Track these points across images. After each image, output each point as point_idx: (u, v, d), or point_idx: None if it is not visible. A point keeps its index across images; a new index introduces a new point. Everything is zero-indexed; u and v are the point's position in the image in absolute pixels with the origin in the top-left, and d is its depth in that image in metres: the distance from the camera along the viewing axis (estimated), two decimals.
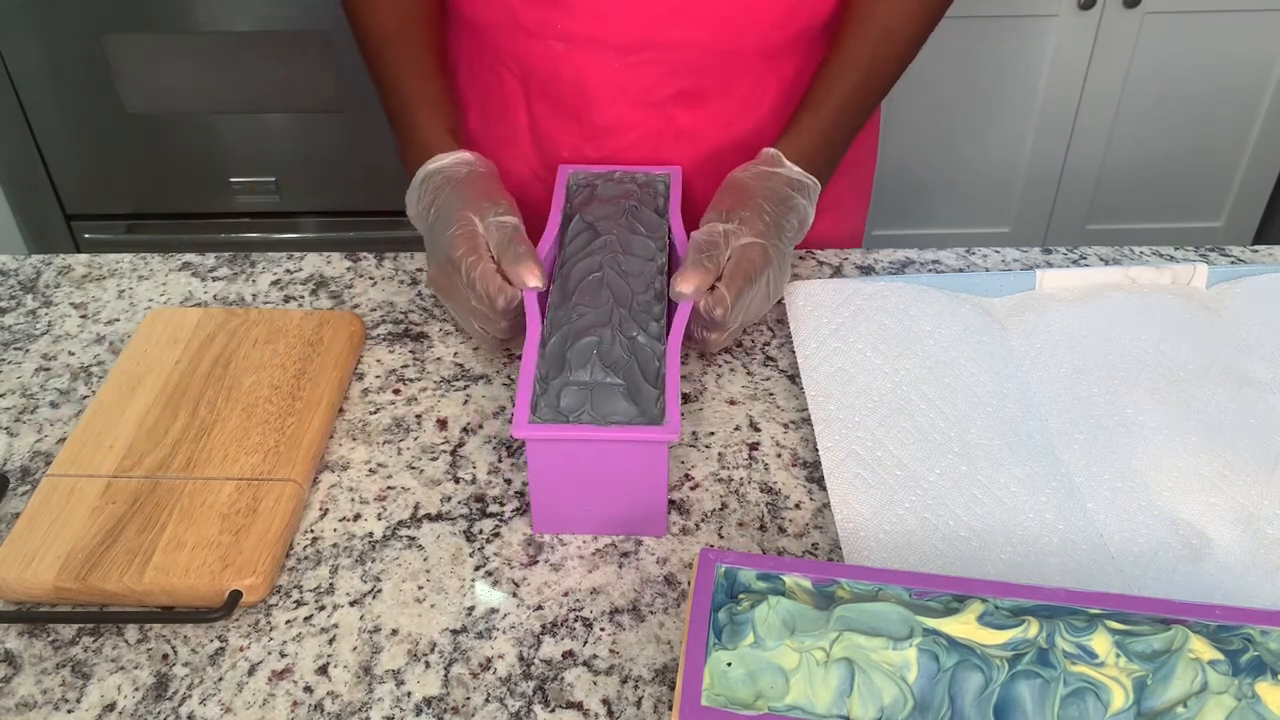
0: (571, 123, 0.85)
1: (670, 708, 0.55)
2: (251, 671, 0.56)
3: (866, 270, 0.85)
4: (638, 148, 0.84)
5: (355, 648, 0.58)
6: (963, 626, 0.50)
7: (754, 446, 0.69)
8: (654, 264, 0.70)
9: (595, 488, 0.61)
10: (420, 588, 0.61)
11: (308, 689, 0.56)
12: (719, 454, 0.69)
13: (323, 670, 0.56)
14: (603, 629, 0.58)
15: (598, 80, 0.82)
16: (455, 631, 0.58)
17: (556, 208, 0.75)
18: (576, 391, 0.60)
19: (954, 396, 0.69)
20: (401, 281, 0.84)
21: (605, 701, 0.55)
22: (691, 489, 0.66)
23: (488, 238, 0.70)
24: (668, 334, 0.65)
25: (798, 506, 0.65)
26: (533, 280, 0.67)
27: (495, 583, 0.61)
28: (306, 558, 0.62)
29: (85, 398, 0.73)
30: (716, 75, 0.82)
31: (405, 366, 0.76)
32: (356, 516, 0.65)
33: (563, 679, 0.56)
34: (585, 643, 0.58)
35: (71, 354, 0.77)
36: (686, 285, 0.67)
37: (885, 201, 1.91)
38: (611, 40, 0.80)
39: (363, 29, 0.84)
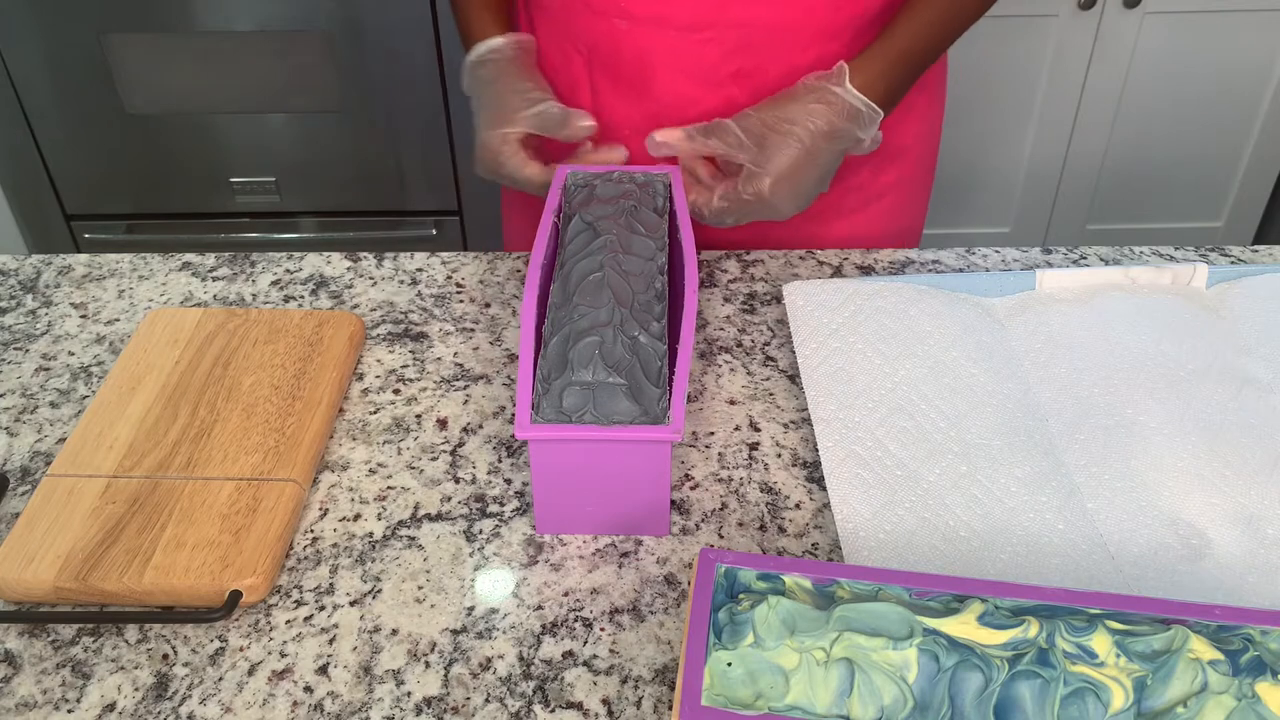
0: (633, 100, 0.86)
1: (670, 708, 0.55)
2: (251, 671, 0.56)
3: (866, 270, 0.85)
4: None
5: (355, 648, 0.58)
6: (963, 626, 0.50)
7: (754, 446, 0.69)
8: (654, 263, 0.70)
9: (598, 488, 0.61)
10: (420, 588, 0.61)
11: (308, 689, 0.56)
12: (719, 454, 0.69)
13: (323, 670, 0.56)
14: (603, 629, 0.58)
15: (659, 58, 0.84)
16: (455, 631, 0.58)
17: (550, 208, 0.75)
18: (579, 392, 0.60)
19: (954, 396, 0.69)
20: (401, 281, 0.84)
21: (605, 701, 0.55)
22: (691, 489, 0.66)
23: (530, 126, 0.80)
24: (669, 333, 0.65)
25: (798, 506, 0.65)
26: (588, 123, 0.79)
27: (495, 583, 0.61)
28: (306, 558, 0.62)
29: (85, 398, 0.73)
30: (777, 54, 0.83)
31: (405, 366, 0.76)
32: (356, 516, 0.65)
33: (563, 679, 0.56)
34: (585, 643, 0.58)
35: (71, 354, 0.77)
36: (659, 133, 0.78)
37: None
38: (673, 19, 0.82)
39: None
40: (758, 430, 0.70)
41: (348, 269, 0.85)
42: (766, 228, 0.85)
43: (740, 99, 0.84)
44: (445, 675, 0.56)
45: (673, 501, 0.65)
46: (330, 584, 0.61)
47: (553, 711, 0.55)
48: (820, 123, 0.76)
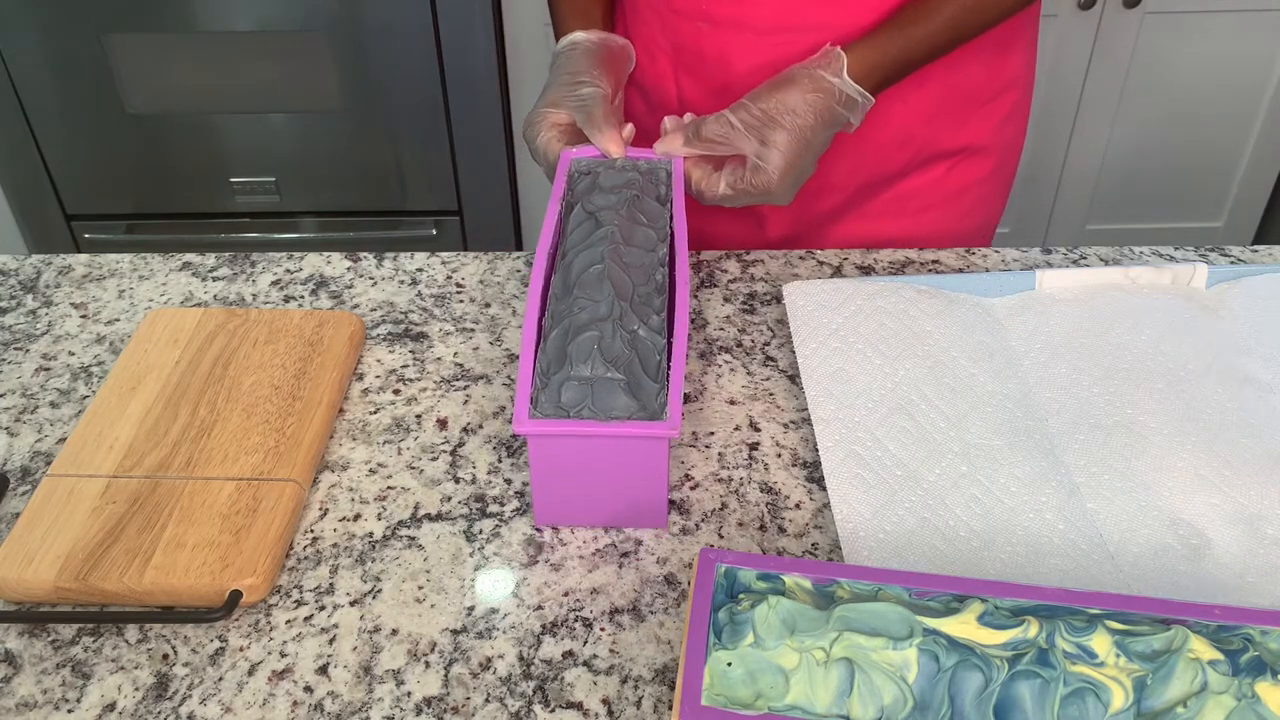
0: (715, 96, 0.88)
1: (670, 708, 0.55)
2: (251, 671, 0.56)
3: (866, 270, 0.85)
4: None
5: (355, 648, 0.58)
6: (963, 626, 0.50)
7: (754, 446, 0.69)
8: (655, 255, 0.70)
9: (596, 483, 0.61)
10: (420, 588, 0.61)
11: (308, 689, 0.56)
12: (719, 454, 0.69)
13: (323, 670, 0.56)
14: (603, 629, 0.58)
15: (738, 58, 0.86)
16: (455, 631, 0.58)
17: (556, 196, 0.75)
18: (577, 386, 0.60)
19: (954, 396, 0.69)
20: (401, 281, 0.84)
21: (605, 701, 0.55)
22: (691, 489, 0.66)
23: (569, 109, 0.81)
24: (669, 327, 0.65)
25: (798, 506, 0.65)
26: (616, 148, 0.78)
27: (495, 583, 0.61)
28: (306, 558, 0.62)
29: (85, 398, 0.73)
30: None
31: (405, 366, 0.76)
32: (356, 516, 0.65)
33: (563, 679, 0.56)
34: (585, 643, 0.58)
35: (71, 354, 0.77)
36: (659, 146, 0.79)
37: None
38: (751, 22, 0.84)
39: None
40: (758, 430, 0.70)
41: (348, 269, 0.85)
42: (846, 231, 0.91)
43: None
44: (445, 675, 0.56)
45: (673, 501, 0.65)
46: (330, 584, 0.61)
47: (553, 711, 0.55)
48: (819, 112, 0.77)
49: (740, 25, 0.85)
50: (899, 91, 0.85)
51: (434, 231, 1.84)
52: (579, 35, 0.86)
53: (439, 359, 0.76)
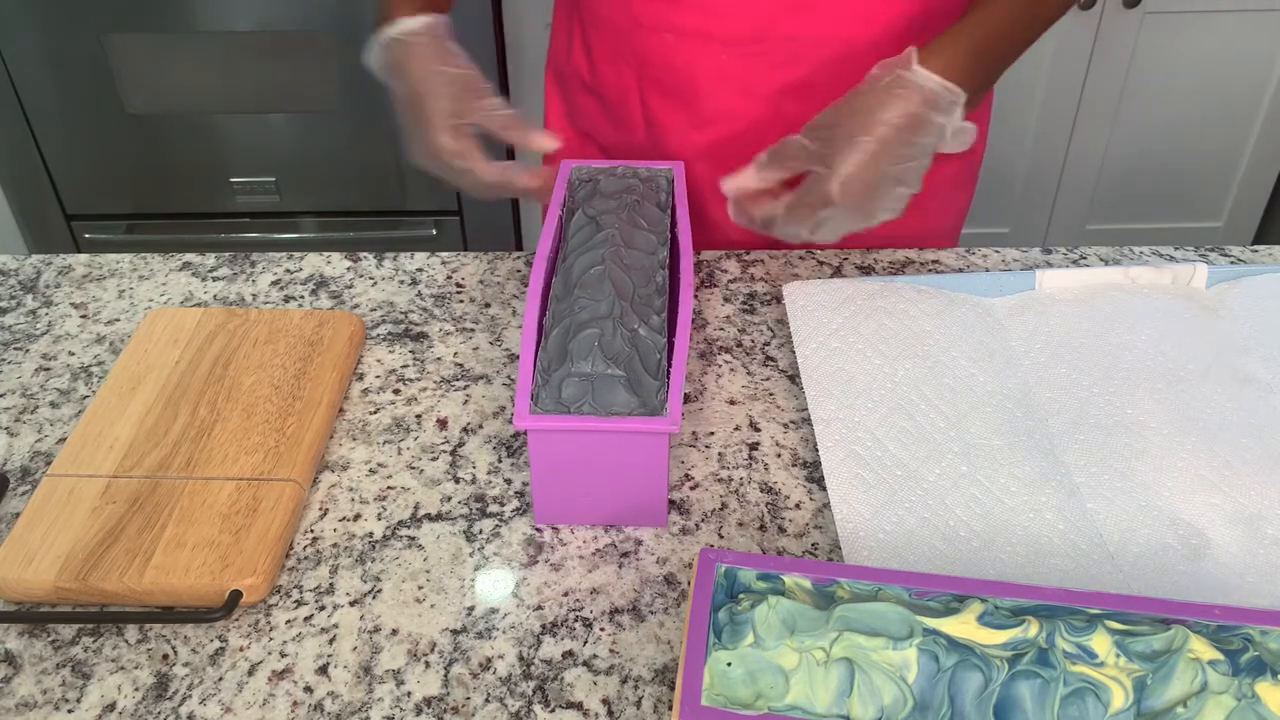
0: (681, 111, 0.87)
1: (670, 708, 0.55)
2: (251, 671, 0.56)
3: (866, 270, 0.85)
4: (745, 136, 0.85)
5: (355, 648, 0.58)
6: (962, 626, 0.50)
7: (754, 446, 0.69)
8: (655, 258, 0.70)
9: (596, 479, 0.61)
10: (420, 588, 0.61)
11: (308, 689, 0.56)
12: (719, 454, 0.69)
13: (323, 670, 0.56)
14: (603, 629, 0.58)
15: (706, 71, 0.84)
16: (455, 631, 0.58)
17: (556, 202, 0.75)
18: (578, 383, 0.61)
19: (954, 396, 0.69)
20: (401, 281, 0.84)
21: (605, 701, 0.55)
22: (691, 489, 0.66)
23: (484, 125, 0.75)
24: (669, 328, 0.65)
25: (798, 506, 0.65)
26: (550, 143, 0.75)
27: (495, 583, 0.61)
28: (306, 558, 0.62)
29: (85, 398, 0.73)
30: (826, 68, 0.83)
31: (405, 366, 0.76)
32: (356, 516, 0.65)
33: (563, 679, 0.56)
34: (585, 643, 0.58)
35: (71, 354, 0.77)
36: (730, 183, 0.72)
37: None
38: (720, 34, 0.82)
39: None
40: (758, 430, 0.70)
41: (348, 269, 0.85)
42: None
43: (790, 110, 0.84)
44: (445, 675, 0.56)
45: (673, 501, 0.65)
46: (330, 584, 0.61)
47: (553, 711, 0.55)
48: (891, 113, 0.68)
49: (708, 36, 0.82)
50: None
51: (434, 231, 1.84)
52: (426, 21, 0.77)
53: (439, 359, 0.76)
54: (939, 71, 0.69)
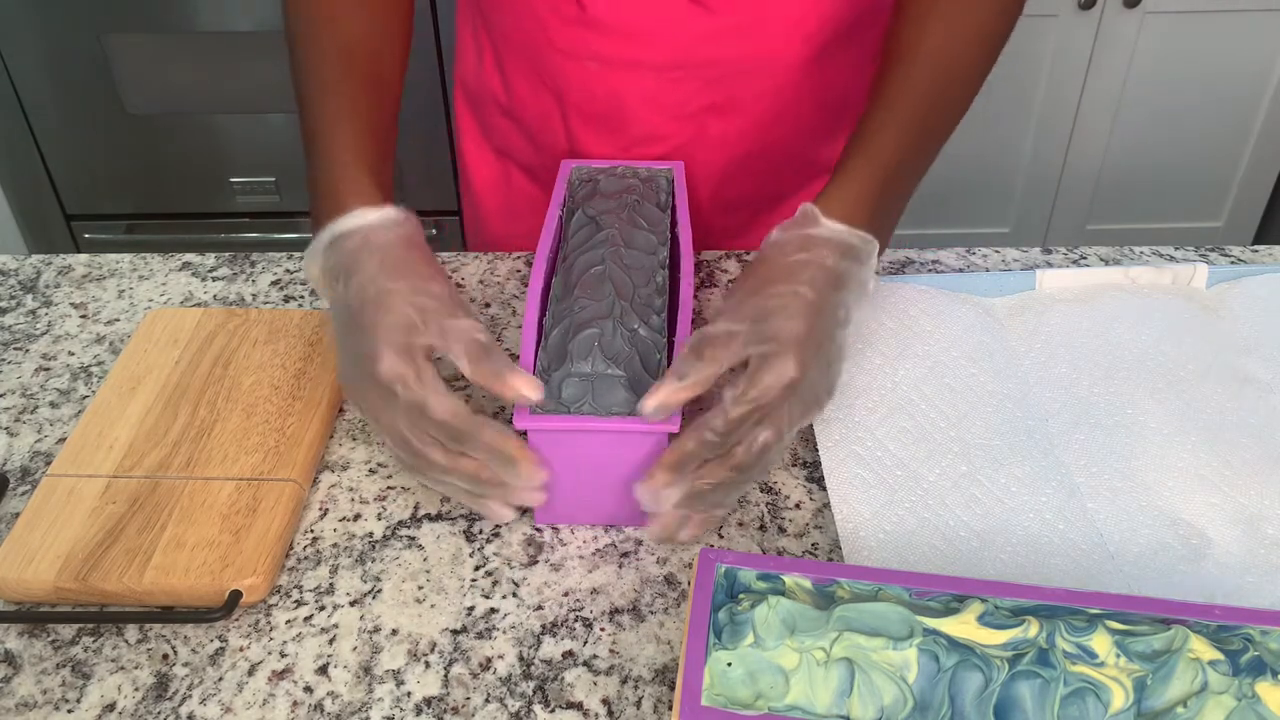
0: (607, 135, 0.86)
1: (670, 708, 0.55)
2: (251, 671, 0.56)
3: None
4: (671, 157, 0.85)
5: (355, 648, 0.57)
6: (963, 626, 0.50)
7: None
8: (655, 258, 0.70)
9: (597, 479, 0.61)
10: (420, 588, 0.61)
11: (308, 689, 0.56)
12: None
13: (323, 670, 0.56)
14: (603, 629, 0.58)
15: (632, 96, 0.83)
16: (455, 631, 0.58)
17: (556, 202, 0.75)
18: (578, 383, 0.61)
19: (954, 396, 0.69)
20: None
21: (605, 701, 0.55)
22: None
23: (449, 347, 0.58)
24: (669, 328, 0.65)
25: (798, 506, 0.65)
26: (535, 392, 0.57)
27: (495, 583, 0.61)
28: (306, 558, 0.62)
29: (85, 398, 0.73)
30: (749, 87, 0.82)
31: None
32: (356, 516, 0.65)
33: (563, 679, 0.56)
34: (585, 643, 0.58)
35: (71, 354, 0.77)
36: (649, 402, 0.56)
37: None
38: (646, 60, 0.81)
39: (299, 63, 0.71)
40: None
41: None
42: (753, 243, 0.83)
43: (716, 129, 0.84)
44: (445, 675, 0.56)
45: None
46: (330, 584, 0.61)
47: (553, 711, 0.55)
48: (813, 272, 0.61)
49: (634, 63, 0.81)
50: (785, 112, 0.83)
51: (434, 231, 1.84)
52: (393, 215, 0.63)
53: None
54: (844, 221, 0.64)
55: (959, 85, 0.72)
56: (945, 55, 0.70)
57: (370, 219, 0.62)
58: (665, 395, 0.57)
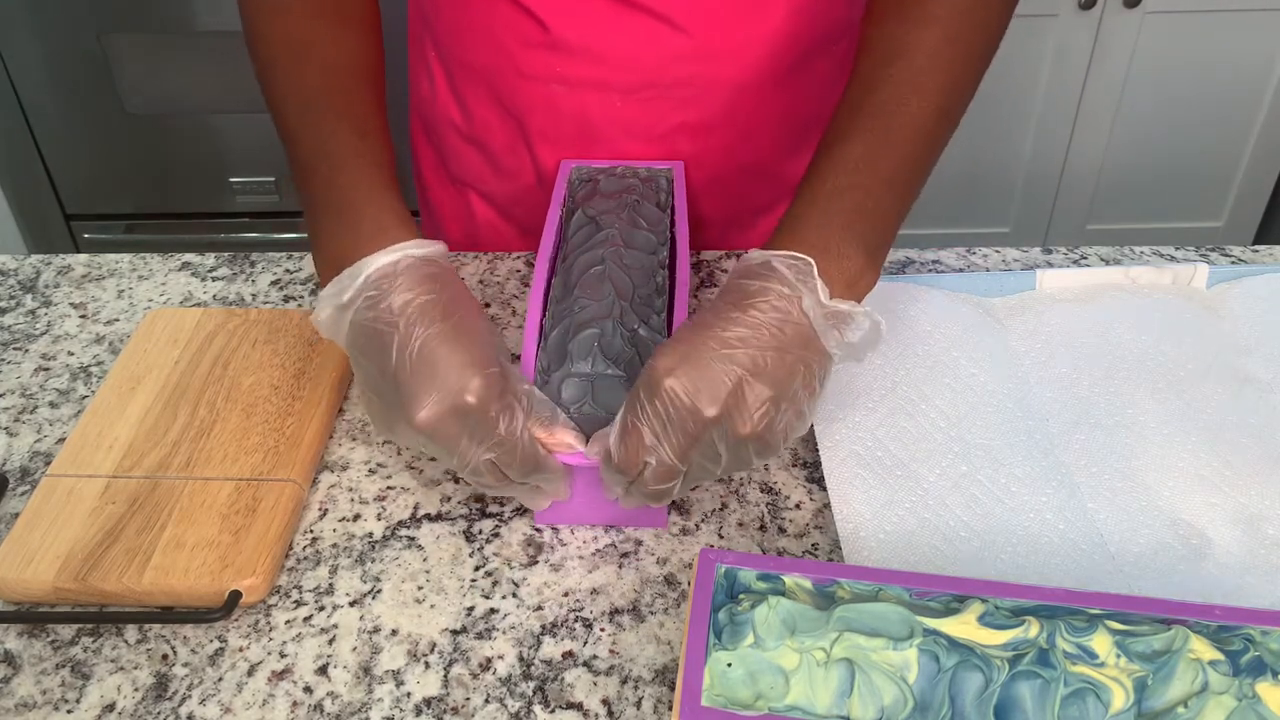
0: (573, 158, 0.84)
1: (670, 708, 0.55)
2: (251, 672, 0.56)
3: None
4: None
5: (355, 648, 0.57)
6: (963, 627, 0.50)
7: None
8: (655, 258, 0.70)
9: (596, 480, 0.61)
10: (420, 588, 0.61)
11: (307, 689, 0.56)
12: None
13: (322, 670, 0.56)
14: (603, 629, 0.58)
15: (599, 119, 0.82)
16: (455, 632, 0.58)
17: (556, 202, 0.75)
18: (578, 383, 0.61)
19: (954, 396, 0.69)
20: None
21: (605, 702, 0.55)
22: (691, 489, 0.66)
23: (534, 409, 0.57)
24: (669, 327, 0.65)
25: (798, 506, 0.65)
26: (580, 444, 0.57)
27: (495, 583, 0.61)
28: (306, 558, 0.62)
29: (85, 398, 0.73)
30: (719, 107, 0.82)
31: None
32: (356, 516, 0.65)
33: (563, 679, 0.56)
34: (585, 643, 0.58)
35: (71, 354, 0.77)
36: (591, 449, 0.56)
37: None
38: (613, 82, 0.80)
39: (280, 91, 0.66)
40: None
41: None
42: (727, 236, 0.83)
43: (684, 148, 0.83)
44: (445, 675, 0.56)
45: (673, 501, 0.65)
46: (330, 584, 0.61)
47: (553, 712, 0.55)
48: (755, 324, 0.55)
49: (601, 85, 0.79)
50: (756, 131, 0.82)
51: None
52: (439, 249, 0.59)
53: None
54: (788, 247, 0.57)
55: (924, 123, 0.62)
56: (910, 89, 0.62)
57: (422, 252, 0.58)
58: (604, 471, 0.57)
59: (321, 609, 0.59)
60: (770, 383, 0.54)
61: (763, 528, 0.64)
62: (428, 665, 0.57)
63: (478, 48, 0.82)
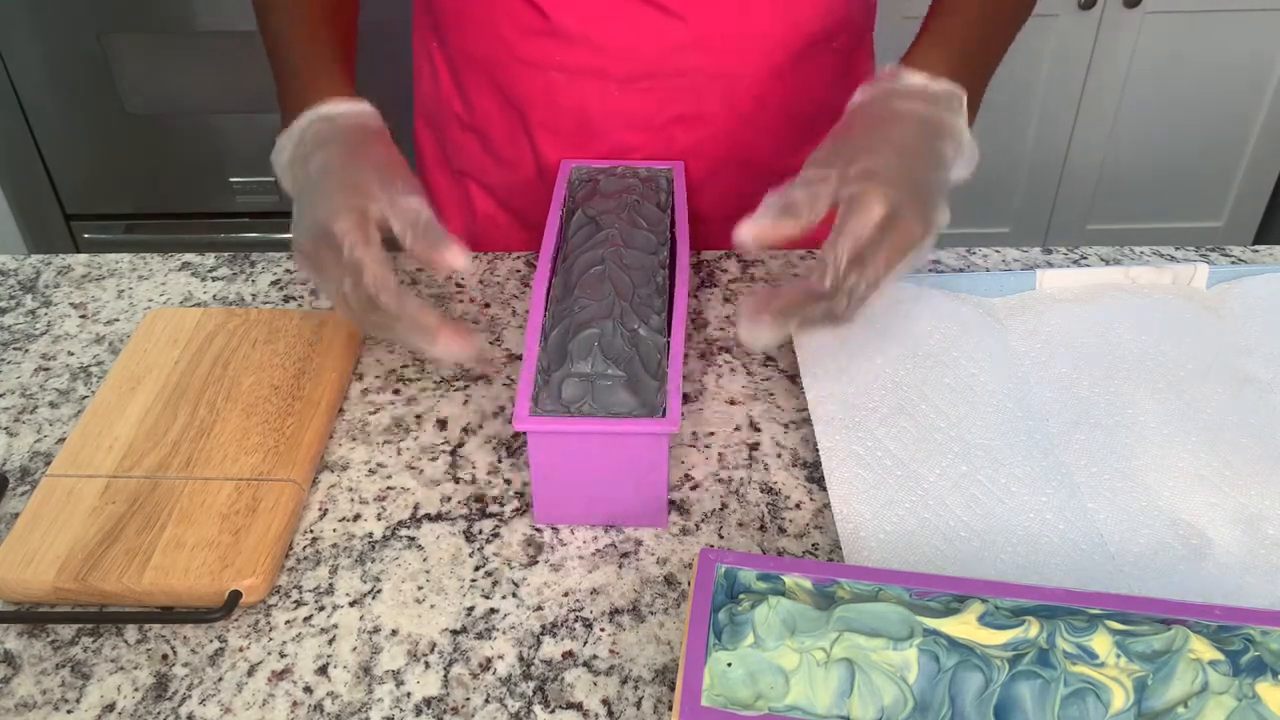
0: (572, 149, 0.85)
1: (670, 708, 0.55)
2: (251, 672, 0.56)
3: None
4: None
5: (355, 648, 0.57)
6: (963, 627, 0.50)
7: (754, 446, 0.69)
8: (656, 258, 0.70)
9: (597, 479, 0.61)
10: (420, 588, 0.61)
11: (307, 689, 0.56)
12: (719, 454, 0.69)
13: (322, 670, 0.56)
14: (603, 629, 0.58)
15: (597, 108, 0.82)
16: (455, 632, 0.58)
17: (557, 202, 0.75)
18: (578, 383, 0.61)
19: (954, 396, 0.69)
20: (401, 281, 0.83)
21: (605, 702, 0.55)
22: (691, 489, 0.66)
23: (394, 219, 0.61)
24: (669, 327, 0.65)
25: (798, 506, 0.65)
26: (462, 260, 0.60)
27: (495, 583, 0.61)
28: (306, 558, 0.62)
29: (85, 398, 0.73)
30: (717, 97, 0.82)
31: (405, 366, 0.75)
32: (356, 516, 0.65)
33: (563, 679, 0.56)
34: (585, 643, 0.58)
35: (71, 354, 0.77)
36: (744, 232, 0.59)
37: None
38: (612, 71, 0.80)
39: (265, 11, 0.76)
40: (758, 430, 0.70)
41: None
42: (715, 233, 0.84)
43: (682, 140, 0.84)
44: (445, 675, 0.56)
45: (673, 501, 0.65)
46: (330, 584, 0.61)
47: (553, 712, 0.55)
48: (904, 121, 0.63)
49: (600, 74, 0.80)
50: (753, 122, 0.83)
51: None
52: (364, 108, 0.68)
53: (439, 359, 0.76)
54: (929, 73, 0.65)
55: None
56: None
57: (341, 108, 0.67)
58: (760, 230, 0.59)
59: (321, 609, 0.59)
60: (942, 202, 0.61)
61: (763, 528, 0.64)
62: (428, 665, 0.57)
63: (479, 37, 0.83)
